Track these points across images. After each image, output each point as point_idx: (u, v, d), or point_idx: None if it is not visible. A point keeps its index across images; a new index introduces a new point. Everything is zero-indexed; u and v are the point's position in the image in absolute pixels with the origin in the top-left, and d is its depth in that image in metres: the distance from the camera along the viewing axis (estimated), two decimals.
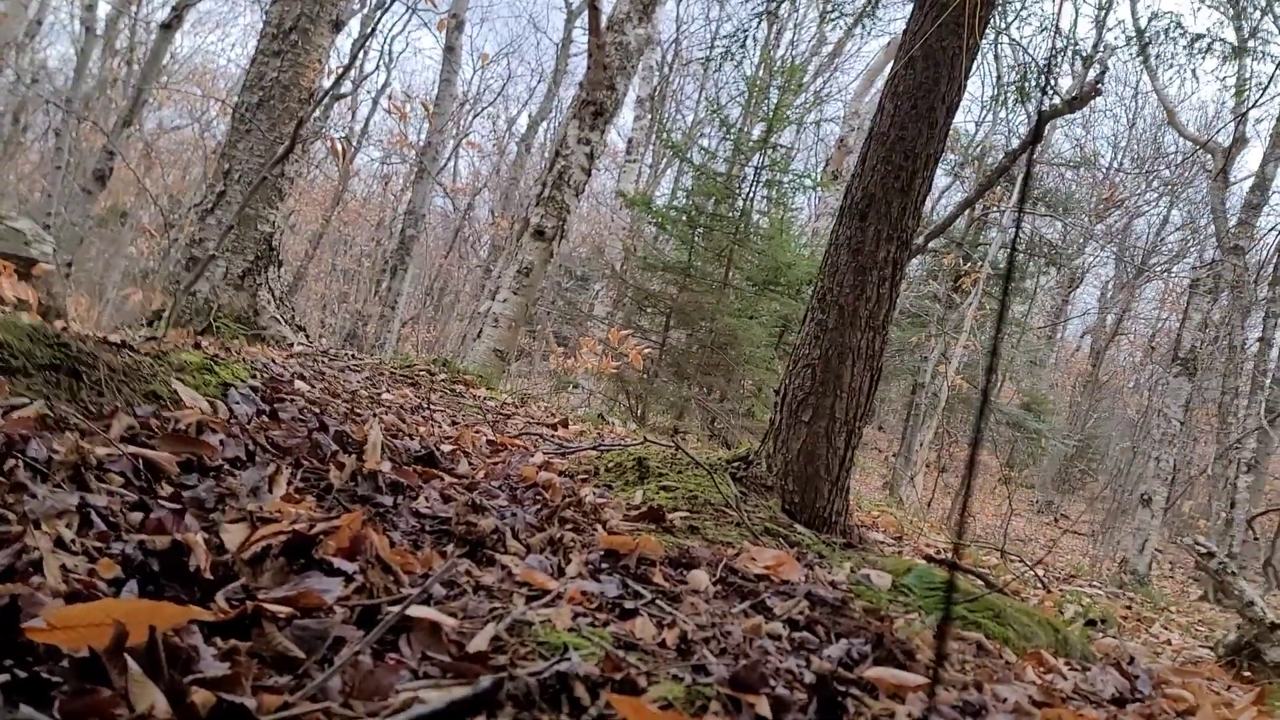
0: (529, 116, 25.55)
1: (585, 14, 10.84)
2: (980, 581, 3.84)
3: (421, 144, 15.36)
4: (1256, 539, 12.55)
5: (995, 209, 15.81)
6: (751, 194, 10.91)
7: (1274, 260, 14.80)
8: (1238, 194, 16.08)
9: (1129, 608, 7.25)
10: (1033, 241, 18.74)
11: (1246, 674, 4.79)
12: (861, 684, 1.89)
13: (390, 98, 21.40)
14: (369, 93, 23.32)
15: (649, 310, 11.83)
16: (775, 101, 10.93)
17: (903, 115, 3.85)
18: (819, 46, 21.54)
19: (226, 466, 2.36)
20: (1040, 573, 7.55)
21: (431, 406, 4.72)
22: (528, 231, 9.57)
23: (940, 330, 15.11)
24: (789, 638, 2.13)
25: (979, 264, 14.83)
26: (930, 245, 10.85)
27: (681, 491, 3.49)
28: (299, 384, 3.84)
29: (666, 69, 20.42)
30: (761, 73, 12.69)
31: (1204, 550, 5.20)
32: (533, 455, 3.96)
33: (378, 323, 12.58)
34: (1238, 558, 12.29)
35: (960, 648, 2.51)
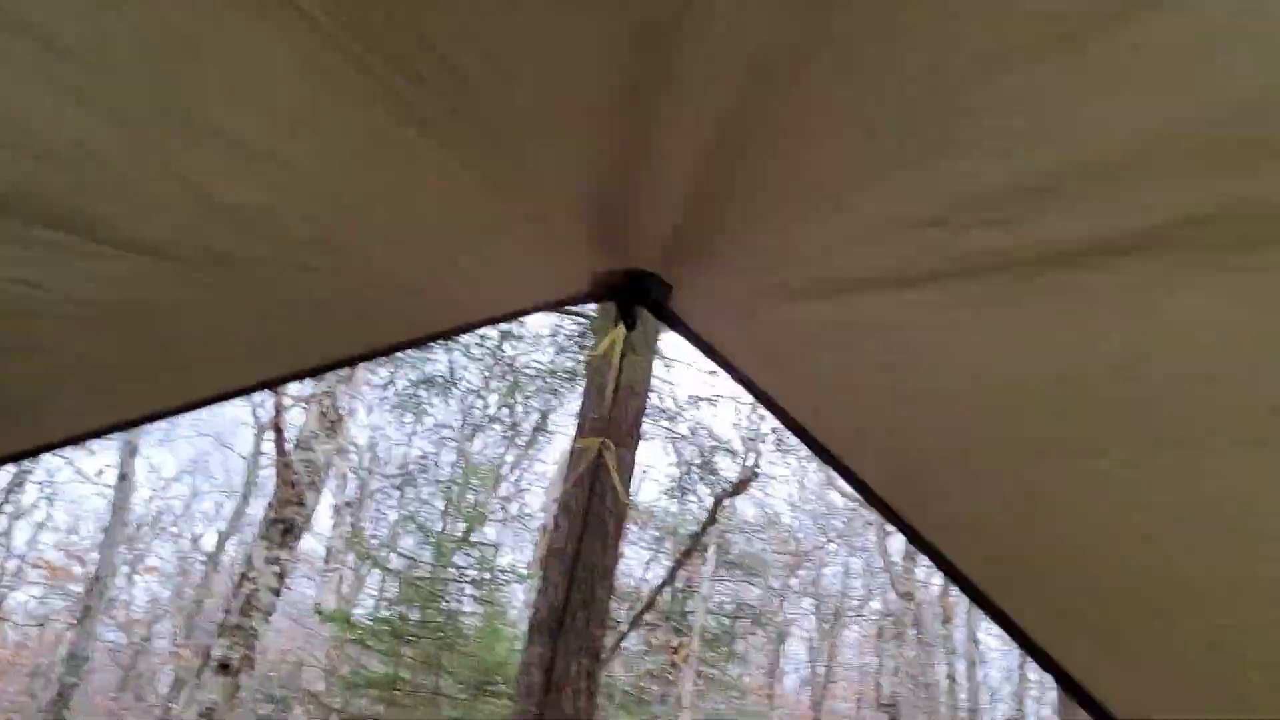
0: (218, 533, 24.19)
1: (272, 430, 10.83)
2: None
3: (91, 576, 13.95)
4: None
5: (694, 578, 16.57)
6: (458, 596, 10.71)
7: (940, 602, 16.35)
8: (899, 540, 17.85)
9: None
10: (737, 605, 19.55)
11: None
12: None
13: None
14: (32, 523, 21.26)
15: None
16: (475, 500, 11.15)
17: (576, 530, 4.04)
18: (514, 436, 22.61)
19: None
20: None
21: None
22: (209, 666, 8.69)
23: (665, 709, 14.94)
24: None
25: (687, 634, 15.20)
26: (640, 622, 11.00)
27: None
28: None
29: (364, 472, 20.43)
30: (460, 473, 13.03)
31: None
32: None
33: None
34: None
35: None
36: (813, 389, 1.28)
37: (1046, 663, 1.36)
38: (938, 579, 19.33)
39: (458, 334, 2.41)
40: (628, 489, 4.19)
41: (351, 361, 1.80)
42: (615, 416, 4.09)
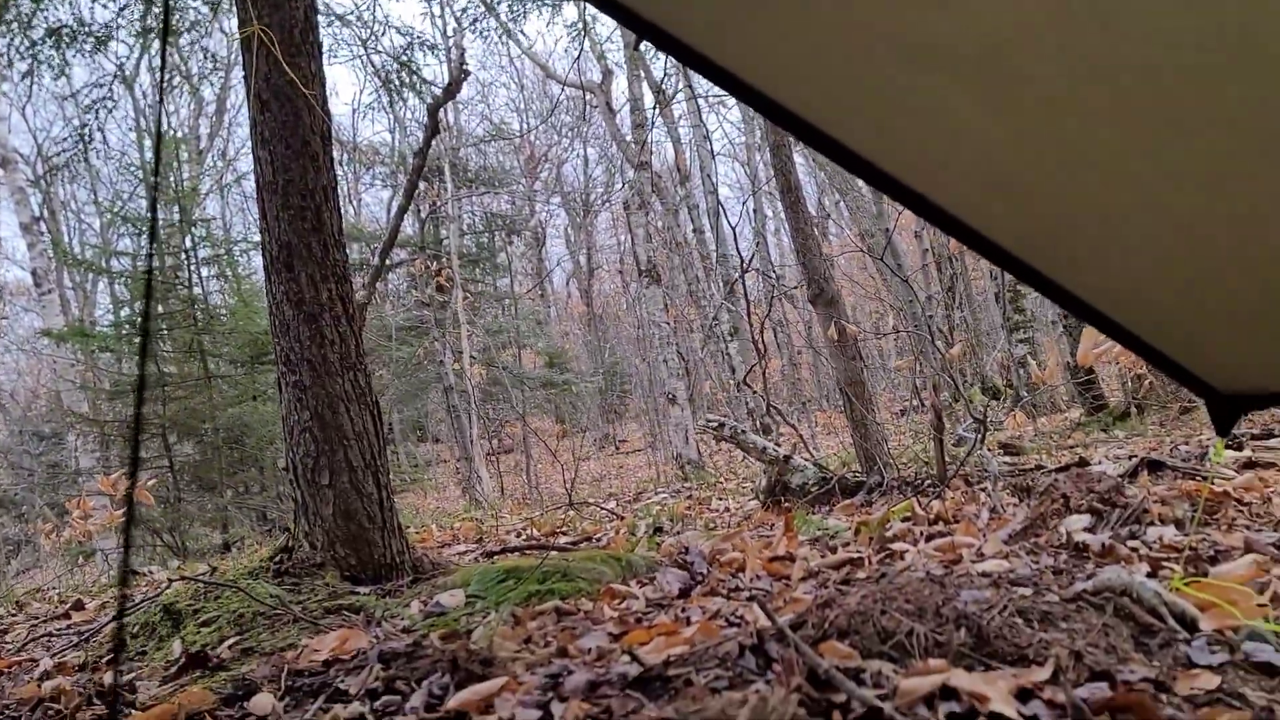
0: None
1: None
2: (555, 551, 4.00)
3: None
4: (755, 394, 14.53)
5: (438, 203, 16.39)
6: (194, 277, 10.15)
7: (676, 165, 17.07)
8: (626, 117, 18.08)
9: (690, 497, 8.08)
10: (488, 219, 19.75)
11: (787, 505, 5.57)
12: (452, 717, 1.87)
13: None
14: None
15: (142, 438, 10.61)
16: (183, 176, 10.21)
17: (282, 159, 3.75)
18: (200, 109, 20.44)
19: None
20: (613, 505, 8.13)
21: None
22: None
23: (442, 331, 15.44)
24: (373, 710, 2.03)
25: (445, 257, 15.36)
26: (390, 258, 10.91)
27: (225, 618, 3.17)
28: None
29: (44, 183, 18.12)
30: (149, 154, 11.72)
31: (714, 423, 5.89)
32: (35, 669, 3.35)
33: None
34: (756, 413, 14.19)
35: (541, 622, 2.58)
36: None
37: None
38: (669, 152, 20.05)
39: None
40: (323, 104, 3.86)
41: None
42: (279, 21, 3.66)
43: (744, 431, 5.86)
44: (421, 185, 17.43)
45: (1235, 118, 0.80)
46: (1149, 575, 2.50)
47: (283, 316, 3.77)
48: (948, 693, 1.60)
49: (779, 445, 6.61)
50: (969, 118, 0.91)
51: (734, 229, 10.45)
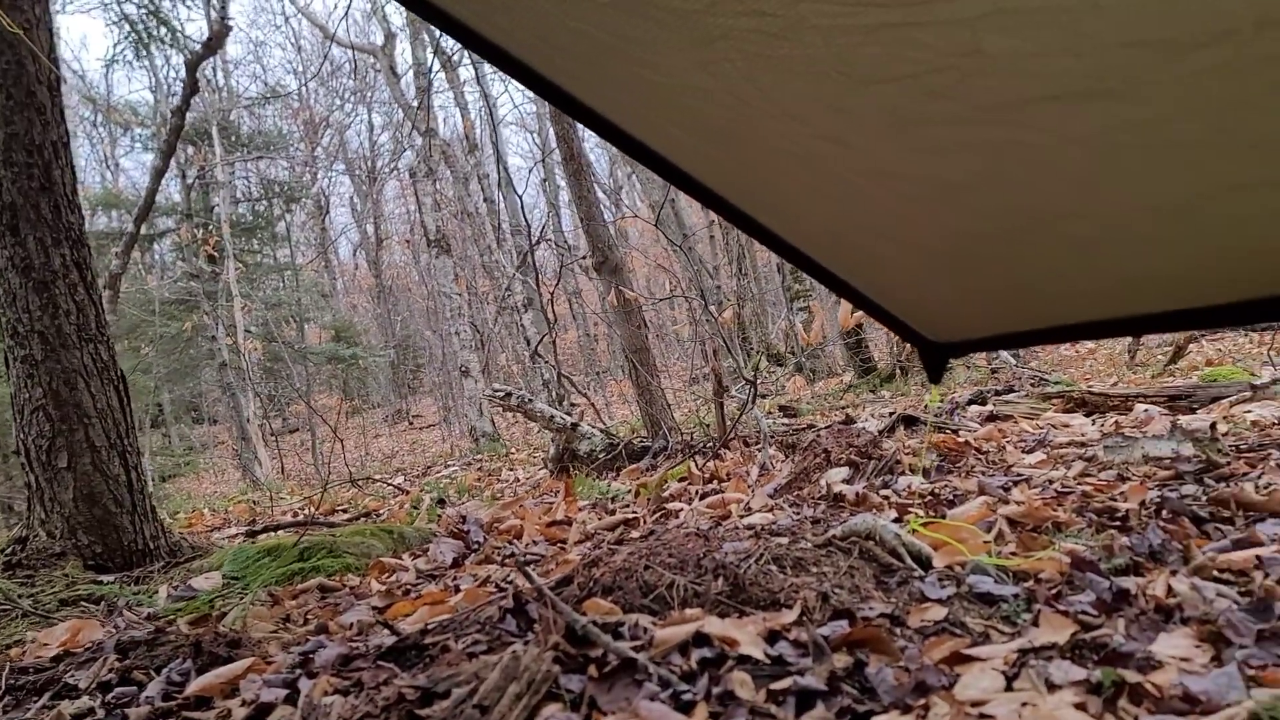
0: None
1: None
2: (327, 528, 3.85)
3: None
4: (547, 363, 14.56)
5: (206, 167, 15.30)
6: None
7: (464, 133, 16.71)
8: (412, 82, 17.55)
9: (480, 469, 8.01)
10: (265, 186, 18.66)
11: (576, 472, 5.61)
12: (192, 704, 1.76)
13: None
14: None
15: None
16: None
17: (3, 111, 3.37)
18: None
19: None
20: (400, 481, 7.94)
21: None
22: None
23: (214, 304, 14.49)
24: (104, 704, 1.88)
25: (215, 225, 14.38)
26: (155, 227, 10.13)
27: None
28: None
29: None
30: None
31: (501, 393, 5.84)
32: None
33: None
34: (551, 384, 14.20)
35: (303, 600, 2.47)
36: None
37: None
38: (456, 117, 19.60)
39: None
40: (50, 52, 3.50)
41: None
42: None
43: (531, 400, 5.84)
44: (190, 150, 16.25)
45: (915, 73, 0.85)
46: (896, 520, 2.68)
47: (8, 285, 3.41)
48: (701, 639, 1.65)
49: (569, 414, 6.64)
50: (682, 67, 0.92)
51: (520, 198, 10.33)
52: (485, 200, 16.69)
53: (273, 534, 3.57)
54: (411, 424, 25.39)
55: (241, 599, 2.46)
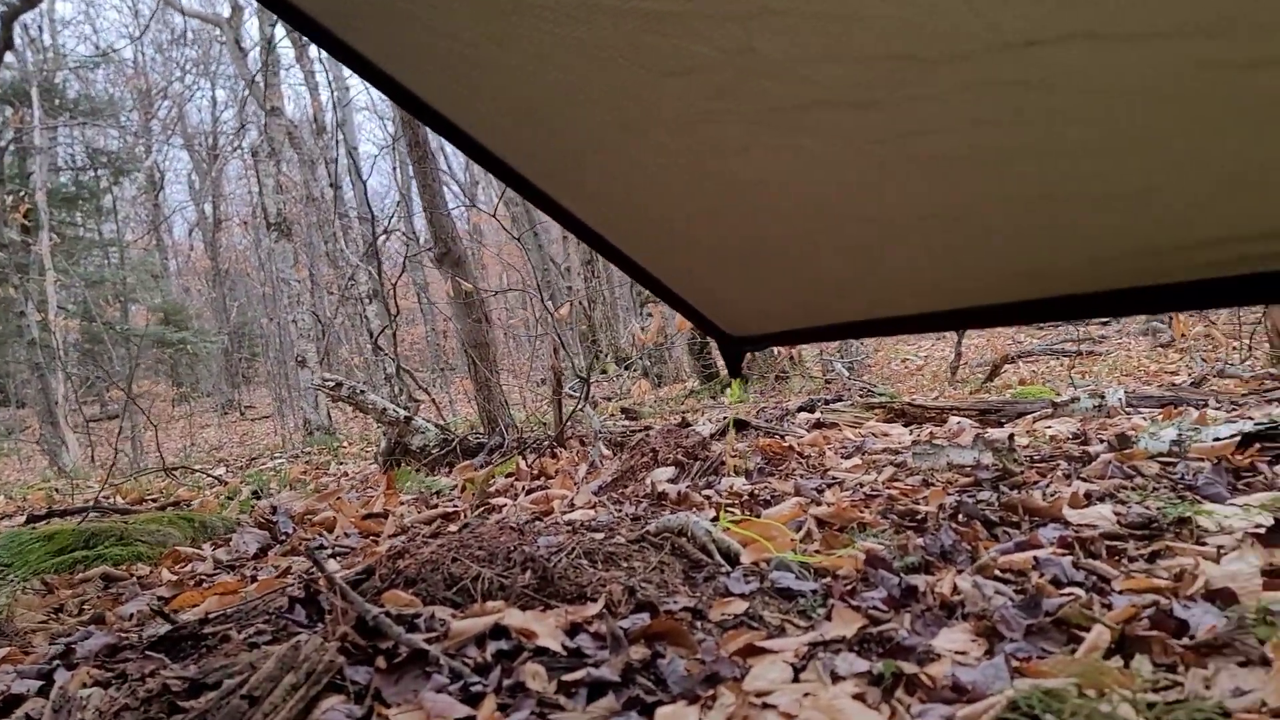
0: None
1: None
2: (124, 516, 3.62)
3: None
4: (387, 356, 14.21)
5: (22, 130, 14.17)
6: None
7: (313, 116, 16.13)
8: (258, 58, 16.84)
9: (308, 462, 7.73)
10: (92, 155, 17.46)
11: (405, 467, 5.49)
12: None
13: None
14: None
15: None
16: None
17: None
18: None
19: None
20: (221, 471, 7.58)
21: None
22: None
23: (23, 277, 13.43)
24: None
25: (30, 194, 13.35)
26: None
27: None
28: None
29: None
30: None
31: (331, 383, 5.66)
32: None
33: None
34: (393, 379, 13.82)
35: (82, 589, 2.32)
36: None
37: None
38: (306, 98, 18.87)
39: None
40: None
41: None
42: None
43: (362, 392, 5.67)
44: (7, 111, 15.00)
45: (699, 68, 0.86)
46: (713, 519, 2.74)
47: None
48: (499, 632, 1.63)
49: (406, 408, 6.49)
50: (481, 39, 0.91)
51: (364, 184, 10.03)
52: (332, 185, 16.13)
53: (58, 520, 3.33)
54: (244, 415, 24.26)
55: (10, 587, 2.28)
